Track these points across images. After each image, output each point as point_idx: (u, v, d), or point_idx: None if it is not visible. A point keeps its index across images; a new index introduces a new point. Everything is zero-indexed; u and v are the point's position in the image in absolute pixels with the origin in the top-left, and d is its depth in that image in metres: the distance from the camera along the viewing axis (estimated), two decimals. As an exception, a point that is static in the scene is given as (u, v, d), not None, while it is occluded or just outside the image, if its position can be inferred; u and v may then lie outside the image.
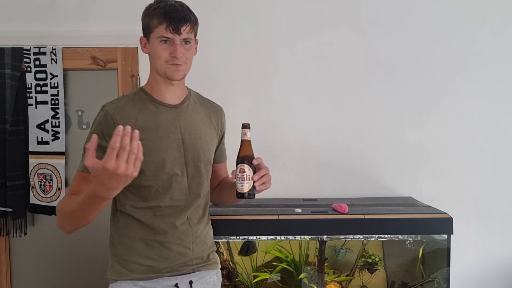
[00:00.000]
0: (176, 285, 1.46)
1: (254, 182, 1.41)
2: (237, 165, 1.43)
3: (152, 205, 1.44)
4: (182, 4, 1.44)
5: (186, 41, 1.42)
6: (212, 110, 1.62)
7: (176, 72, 1.43)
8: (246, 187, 1.40)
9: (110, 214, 1.52)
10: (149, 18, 1.42)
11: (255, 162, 1.42)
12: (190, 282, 1.49)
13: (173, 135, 1.46)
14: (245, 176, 1.40)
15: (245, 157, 1.42)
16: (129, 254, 1.45)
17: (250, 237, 1.98)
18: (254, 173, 1.41)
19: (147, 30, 1.44)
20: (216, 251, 1.64)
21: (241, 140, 1.45)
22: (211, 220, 1.65)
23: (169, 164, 1.44)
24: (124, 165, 1.08)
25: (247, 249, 2.08)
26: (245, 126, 1.45)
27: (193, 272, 1.50)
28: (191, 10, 1.45)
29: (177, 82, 1.48)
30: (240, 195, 1.41)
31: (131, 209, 1.45)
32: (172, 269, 1.46)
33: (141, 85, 1.68)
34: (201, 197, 1.54)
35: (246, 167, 1.41)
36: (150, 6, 1.44)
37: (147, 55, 1.49)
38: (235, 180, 1.42)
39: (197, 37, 1.50)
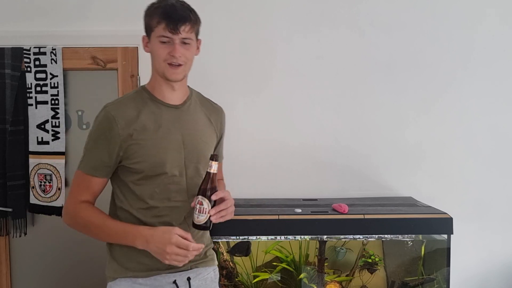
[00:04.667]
0: (174, 281, 1.47)
1: (210, 216, 1.38)
2: (197, 195, 1.39)
3: (150, 205, 1.44)
4: (183, 4, 1.43)
5: (185, 40, 1.41)
6: (212, 111, 1.61)
7: (175, 74, 1.43)
8: (202, 220, 1.38)
9: (109, 212, 1.51)
10: (150, 17, 1.42)
11: (214, 197, 1.38)
12: (188, 279, 1.50)
13: (173, 135, 1.46)
14: (202, 209, 1.37)
15: (205, 190, 1.38)
16: (128, 252, 1.44)
17: (250, 237, 1.98)
18: (212, 206, 1.38)
19: (148, 29, 1.44)
20: (216, 251, 1.64)
21: (206, 172, 1.40)
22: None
23: (168, 164, 1.44)
24: (176, 250, 1.32)
25: (247, 249, 2.08)
26: (211, 158, 1.39)
27: (191, 269, 1.51)
28: (192, 10, 1.44)
29: (178, 84, 1.47)
30: (195, 226, 1.40)
31: (130, 207, 1.46)
32: (171, 266, 1.45)
33: (141, 85, 1.67)
34: None
35: (204, 200, 1.37)
36: (152, 5, 1.44)
37: (147, 55, 1.49)
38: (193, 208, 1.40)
39: (199, 37, 1.49)
